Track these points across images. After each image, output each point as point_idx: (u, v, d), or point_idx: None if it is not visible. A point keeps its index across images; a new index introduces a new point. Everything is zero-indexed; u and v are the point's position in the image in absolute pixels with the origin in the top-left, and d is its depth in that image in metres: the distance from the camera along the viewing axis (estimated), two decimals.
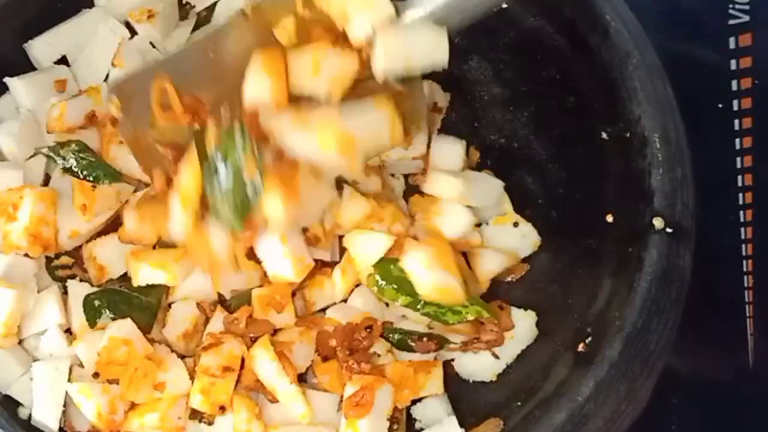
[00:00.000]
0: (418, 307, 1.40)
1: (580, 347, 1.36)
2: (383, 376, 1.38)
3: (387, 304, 1.46)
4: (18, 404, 1.39)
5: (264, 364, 1.36)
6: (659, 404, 1.39)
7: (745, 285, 1.63)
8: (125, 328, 1.39)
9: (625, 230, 1.39)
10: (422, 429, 1.42)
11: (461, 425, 1.38)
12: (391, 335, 1.43)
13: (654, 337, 1.28)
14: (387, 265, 1.41)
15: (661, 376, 1.33)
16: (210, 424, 1.38)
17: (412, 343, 1.42)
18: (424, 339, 1.42)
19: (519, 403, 1.38)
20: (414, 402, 1.42)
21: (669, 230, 1.31)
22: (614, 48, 1.42)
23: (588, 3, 1.44)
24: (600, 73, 1.45)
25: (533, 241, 1.50)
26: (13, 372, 1.40)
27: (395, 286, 1.40)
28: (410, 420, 1.44)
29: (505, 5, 1.57)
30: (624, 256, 1.36)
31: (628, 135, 1.41)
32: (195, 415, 1.38)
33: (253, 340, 1.40)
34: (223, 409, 1.35)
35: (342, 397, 1.37)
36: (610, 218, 1.44)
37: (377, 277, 1.41)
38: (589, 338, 1.36)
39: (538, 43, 1.56)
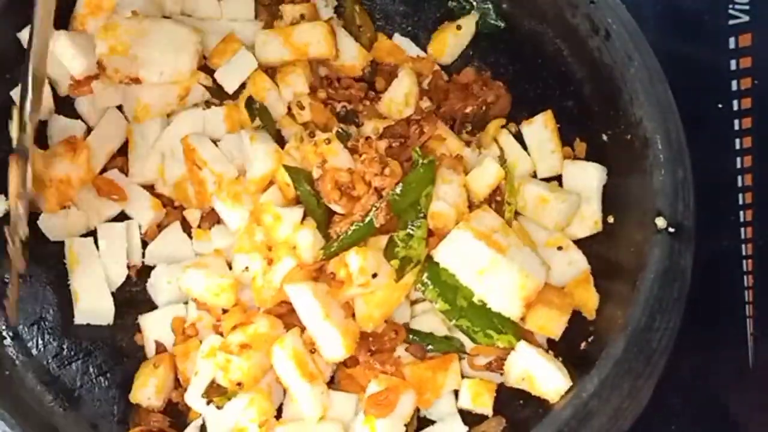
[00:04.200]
0: (453, 317, 1.39)
1: (584, 345, 1.37)
2: (403, 378, 1.38)
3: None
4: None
5: (280, 362, 1.36)
6: (660, 403, 1.39)
7: (745, 285, 1.63)
8: None
9: (627, 230, 1.40)
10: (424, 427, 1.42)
11: (465, 422, 1.39)
12: (413, 338, 1.42)
13: (657, 336, 1.28)
14: (437, 267, 1.39)
15: (662, 376, 1.32)
16: (219, 407, 1.39)
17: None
18: None
19: (522, 401, 1.38)
20: None
21: (671, 230, 1.31)
22: (614, 51, 1.42)
23: (588, 6, 1.44)
24: (600, 75, 1.45)
25: (581, 268, 1.46)
26: None
27: (438, 290, 1.39)
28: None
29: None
30: (626, 256, 1.36)
31: (629, 137, 1.41)
32: (209, 394, 1.39)
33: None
34: (240, 385, 1.36)
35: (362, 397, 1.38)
36: (611, 219, 1.45)
37: (425, 276, 1.40)
38: (592, 336, 1.37)
39: (538, 46, 1.56)
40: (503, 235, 1.39)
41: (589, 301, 1.42)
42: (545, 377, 1.33)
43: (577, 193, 1.47)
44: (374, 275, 1.35)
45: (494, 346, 1.39)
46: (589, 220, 1.46)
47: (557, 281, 1.44)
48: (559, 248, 1.45)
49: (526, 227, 1.48)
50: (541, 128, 1.53)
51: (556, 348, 1.41)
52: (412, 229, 1.38)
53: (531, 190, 1.47)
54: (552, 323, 1.39)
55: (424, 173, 1.40)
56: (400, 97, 1.56)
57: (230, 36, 1.55)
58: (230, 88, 1.53)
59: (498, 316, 1.38)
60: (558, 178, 1.52)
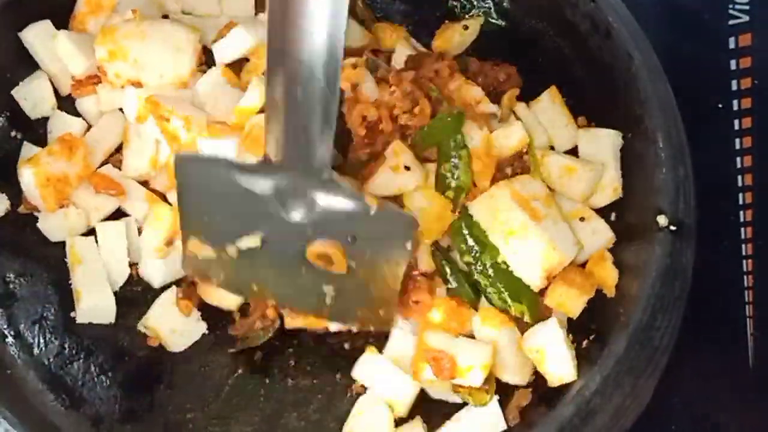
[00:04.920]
0: (475, 272, 1.39)
1: (585, 343, 1.37)
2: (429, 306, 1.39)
3: None
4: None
5: None
6: (660, 403, 1.39)
7: (745, 285, 1.63)
8: None
9: (629, 228, 1.40)
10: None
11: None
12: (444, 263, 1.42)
13: (658, 334, 1.28)
14: (471, 220, 1.39)
15: (663, 375, 1.33)
16: None
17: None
18: None
19: None
20: None
21: (672, 228, 1.31)
22: (615, 49, 1.42)
23: (589, 5, 1.45)
24: (601, 74, 1.46)
25: (607, 237, 1.43)
26: None
27: (469, 243, 1.39)
28: None
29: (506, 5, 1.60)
30: (628, 254, 1.37)
31: (629, 135, 1.42)
32: None
33: None
34: None
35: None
36: (613, 216, 1.45)
37: (462, 224, 1.40)
38: (594, 334, 1.37)
39: (539, 45, 1.57)
40: (544, 205, 1.39)
41: (608, 277, 1.40)
42: (556, 360, 1.32)
43: (598, 161, 1.46)
44: (407, 167, 1.38)
45: (506, 311, 1.38)
46: (608, 188, 1.44)
47: (584, 252, 1.43)
48: (582, 219, 1.43)
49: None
50: (549, 104, 1.52)
51: None
52: (456, 160, 1.40)
53: (556, 161, 1.45)
54: (571, 302, 1.38)
55: (452, 123, 1.41)
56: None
57: (230, 23, 1.53)
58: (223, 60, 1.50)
59: (518, 283, 1.37)
60: (572, 152, 1.51)
